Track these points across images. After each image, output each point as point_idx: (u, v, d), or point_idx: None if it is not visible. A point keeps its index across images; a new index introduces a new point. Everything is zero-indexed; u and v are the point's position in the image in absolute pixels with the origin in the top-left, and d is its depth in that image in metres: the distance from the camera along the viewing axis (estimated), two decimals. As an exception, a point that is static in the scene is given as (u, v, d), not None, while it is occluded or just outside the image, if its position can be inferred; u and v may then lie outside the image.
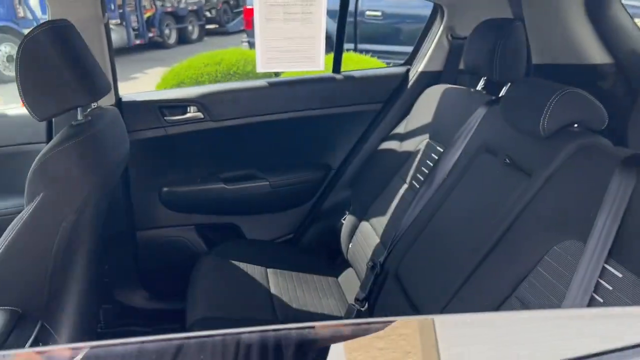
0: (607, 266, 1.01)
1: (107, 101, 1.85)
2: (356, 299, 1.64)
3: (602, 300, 0.99)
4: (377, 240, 1.79)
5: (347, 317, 1.62)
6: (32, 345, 1.24)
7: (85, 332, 1.69)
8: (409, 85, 2.14)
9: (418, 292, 1.43)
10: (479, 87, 1.79)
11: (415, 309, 1.39)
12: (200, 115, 2.02)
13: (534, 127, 1.26)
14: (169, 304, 2.16)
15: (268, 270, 1.91)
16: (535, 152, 1.29)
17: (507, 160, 1.35)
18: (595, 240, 1.03)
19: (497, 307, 1.18)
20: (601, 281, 1.00)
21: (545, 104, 1.23)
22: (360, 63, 5.92)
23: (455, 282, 1.28)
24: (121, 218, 2.05)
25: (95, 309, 1.98)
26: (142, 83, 8.89)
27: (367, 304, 1.63)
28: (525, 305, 1.13)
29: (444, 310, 1.26)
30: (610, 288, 0.99)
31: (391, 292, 1.52)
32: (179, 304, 1.82)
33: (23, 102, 1.36)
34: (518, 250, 1.19)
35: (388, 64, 5.78)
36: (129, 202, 2.05)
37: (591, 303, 1.00)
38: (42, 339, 1.29)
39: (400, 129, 2.03)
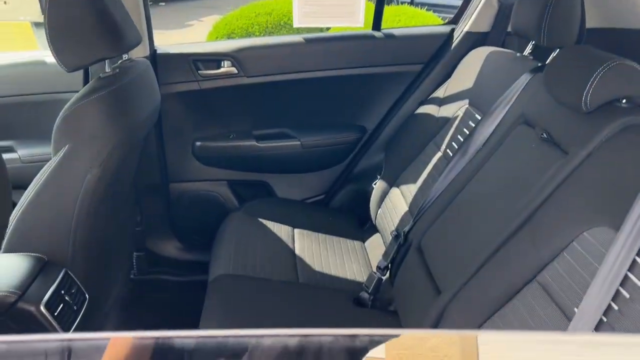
0: (638, 259, 0.92)
1: (141, 53, 1.84)
2: (378, 267, 1.61)
3: (628, 296, 0.91)
4: (406, 208, 1.74)
5: (367, 284, 1.60)
6: (54, 292, 1.28)
7: (111, 280, 1.75)
8: (452, 46, 2.02)
9: (438, 266, 1.38)
10: (526, 52, 1.67)
11: (434, 284, 1.35)
12: (234, 70, 1.99)
13: (577, 100, 1.16)
14: (199, 256, 2.20)
15: (295, 230, 1.90)
16: (574, 128, 1.19)
17: (544, 135, 1.26)
18: (628, 230, 0.94)
19: (517, 291, 1.12)
20: (630, 275, 0.92)
21: (591, 76, 1.12)
22: (415, 17, 5.69)
23: (477, 260, 1.22)
24: (155, 170, 2.07)
25: (127, 256, 2.05)
26: (196, 31, 8.92)
27: (388, 273, 1.60)
28: (546, 292, 1.07)
29: (461, 288, 1.21)
30: None
31: (412, 263, 1.48)
32: (209, 256, 1.85)
33: (52, 52, 1.36)
34: (545, 233, 1.12)
35: (444, 18, 5.52)
36: (162, 154, 2.07)
37: (616, 298, 0.92)
38: (65, 286, 1.34)
39: (440, 92, 1.94)
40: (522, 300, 1.10)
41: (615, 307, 0.92)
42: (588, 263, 1.01)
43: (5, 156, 1.98)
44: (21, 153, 1.99)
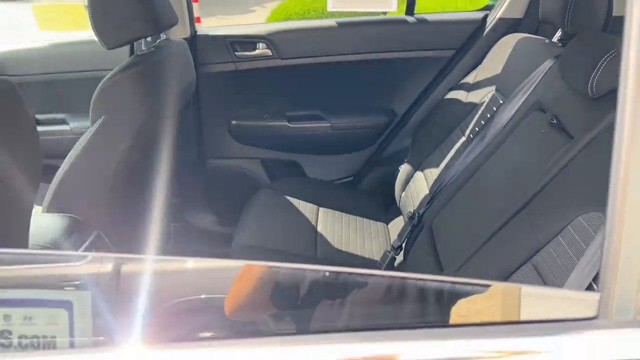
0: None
1: (181, 34, 1.95)
2: (392, 246, 1.65)
3: (609, 279, 0.92)
4: (427, 191, 1.76)
5: (381, 262, 1.64)
6: (85, 251, 1.41)
7: (144, 245, 1.87)
8: (484, 33, 2.01)
9: (445, 247, 1.41)
10: (555, 38, 1.64)
11: (439, 265, 1.38)
12: (268, 52, 2.06)
13: (584, 86, 1.15)
14: (233, 229, 2.30)
15: (320, 209, 1.96)
16: (582, 114, 1.19)
17: (554, 121, 1.26)
18: None
19: (511, 273, 1.14)
20: (613, 259, 0.93)
21: (598, 62, 1.12)
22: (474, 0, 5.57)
23: (477, 242, 1.24)
24: (193, 146, 2.19)
25: (165, 226, 2.18)
26: (257, 16, 9.08)
27: (401, 253, 1.64)
28: (539, 274, 1.09)
29: (459, 269, 1.24)
30: (621, 267, 0.91)
31: (423, 244, 1.51)
32: None
33: (93, 31, 1.48)
34: (543, 217, 1.13)
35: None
36: (200, 131, 2.18)
37: (596, 279, 0.93)
38: (97, 246, 1.46)
39: (470, 78, 1.94)
40: (514, 281, 1.12)
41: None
42: (579, 247, 1.02)
43: (58, 127, 2.18)
44: (72, 125, 2.16)
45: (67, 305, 0.49)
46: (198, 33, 2.05)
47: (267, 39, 2.06)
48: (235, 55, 2.07)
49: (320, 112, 2.17)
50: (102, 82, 1.49)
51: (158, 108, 1.56)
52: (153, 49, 1.61)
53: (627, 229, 0.55)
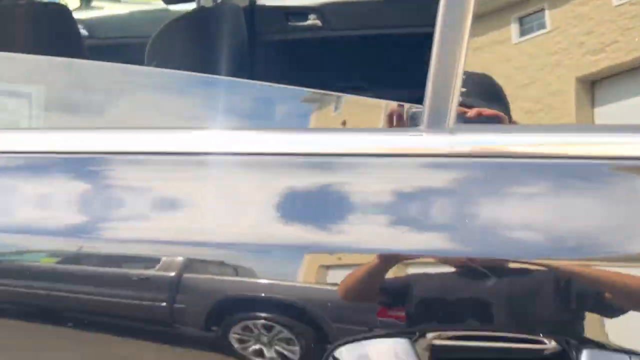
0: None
1: (240, 1, 2.12)
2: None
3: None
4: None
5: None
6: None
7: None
8: None
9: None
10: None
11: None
12: (319, 23, 2.18)
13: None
14: None
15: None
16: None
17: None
18: None
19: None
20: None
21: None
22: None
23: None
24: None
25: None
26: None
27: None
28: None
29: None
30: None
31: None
32: None
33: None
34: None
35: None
36: (252, 97, 2.34)
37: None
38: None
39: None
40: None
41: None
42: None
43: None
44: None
45: (27, 95, 0.66)
46: (256, 3, 2.21)
47: (318, 10, 2.18)
48: (288, 25, 2.21)
49: (365, 84, 2.25)
50: (156, 32, 1.68)
51: (205, 59, 1.72)
52: (205, 7, 1.78)
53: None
